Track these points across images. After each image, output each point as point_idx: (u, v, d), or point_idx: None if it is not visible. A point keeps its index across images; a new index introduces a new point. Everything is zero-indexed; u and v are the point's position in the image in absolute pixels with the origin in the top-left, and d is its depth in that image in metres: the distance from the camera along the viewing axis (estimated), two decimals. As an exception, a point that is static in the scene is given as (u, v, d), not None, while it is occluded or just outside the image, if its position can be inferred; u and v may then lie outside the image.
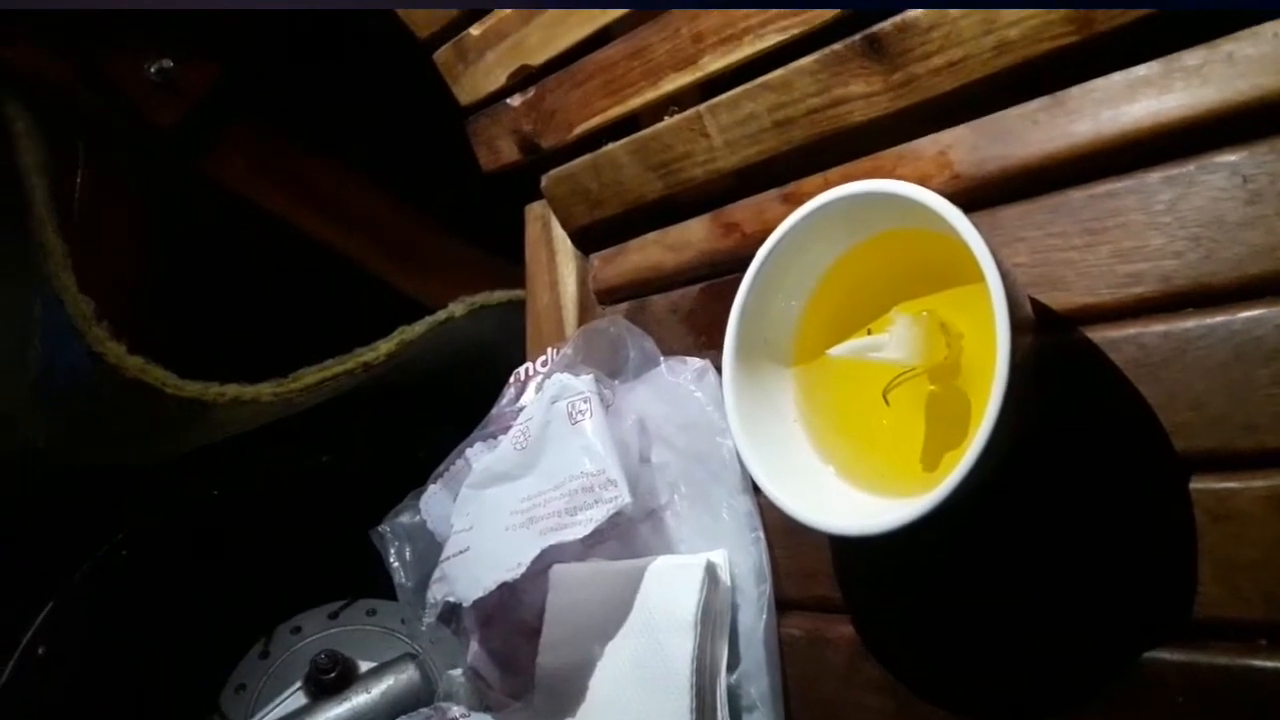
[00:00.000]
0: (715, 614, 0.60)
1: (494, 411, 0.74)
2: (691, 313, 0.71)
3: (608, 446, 0.63)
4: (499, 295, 1.05)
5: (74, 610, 1.07)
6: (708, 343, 0.69)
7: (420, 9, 0.82)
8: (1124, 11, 0.48)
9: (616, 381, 0.70)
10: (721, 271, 0.69)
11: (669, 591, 0.61)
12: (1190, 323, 0.46)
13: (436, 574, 0.68)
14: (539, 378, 0.73)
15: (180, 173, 1.13)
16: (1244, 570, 0.43)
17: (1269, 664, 0.43)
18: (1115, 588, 0.47)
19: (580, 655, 0.63)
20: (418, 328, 1.02)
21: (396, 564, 0.73)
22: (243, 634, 1.12)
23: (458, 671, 0.73)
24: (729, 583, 0.61)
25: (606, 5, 0.70)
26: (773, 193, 0.65)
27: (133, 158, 1.09)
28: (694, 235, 0.70)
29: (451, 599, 0.65)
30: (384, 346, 1.00)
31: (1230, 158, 0.46)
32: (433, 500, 0.73)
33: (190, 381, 0.92)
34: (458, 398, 0.79)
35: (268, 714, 0.96)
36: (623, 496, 0.60)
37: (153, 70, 1.03)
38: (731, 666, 0.60)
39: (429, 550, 0.71)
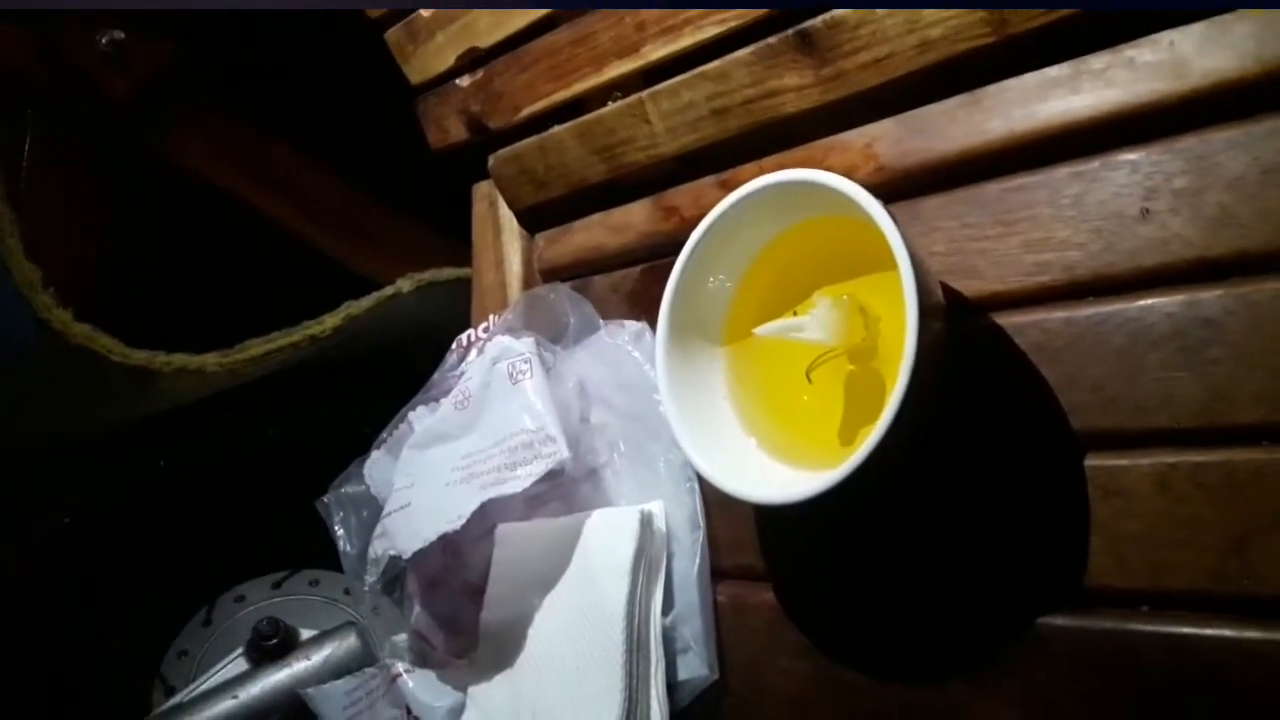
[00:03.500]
0: (650, 560, 0.63)
1: (436, 376, 0.76)
2: (633, 292, 0.74)
3: (547, 405, 0.65)
4: (447, 273, 1.07)
5: (16, 577, 1.07)
6: (648, 322, 0.71)
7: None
8: (1038, 14, 0.50)
9: (558, 347, 0.72)
10: (662, 253, 0.71)
11: (607, 540, 0.63)
12: (1090, 310, 0.49)
13: (378, 530, 0.69)
14: (481, 343, 0.75)
15: (131, 145, 1.13)
16: (1130, 542, 0.47)
17: (1149, 628, 0.46)
18: (1014, 558, 0.51)
19: (523, 608, 0.66)
20: (364, 303, 1.03)
21: (341, 531, 0.74)
22: (186, 602, 1.12)
23: (401, 636, 0.75)
24: (665, 530, 0.64)
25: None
26: (711, 179, 0.67)
27: (84, 128, 1.09)
28: (636, 218, 0.73)
29: (393, 552, 0.66)
30: (330, 320, 1.01)
31: (1130, 156, 0.49)
32: (376, 466, 0.74)
33: (137, 350, 0.92)
34: (404, 375, 0.80)
35: (209, 679, 0.97)
36: (561, 452, 0.62)
37: (104, 41, 1.03)
38: (666, 611, 0.63)
39: (373, 518, 0.73)
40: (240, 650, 1.00)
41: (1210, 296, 0.45)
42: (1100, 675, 0.47)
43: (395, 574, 0.73)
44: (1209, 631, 0.44)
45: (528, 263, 0.82)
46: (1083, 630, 0.48)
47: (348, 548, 0.74)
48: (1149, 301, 0.47)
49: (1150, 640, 0.46)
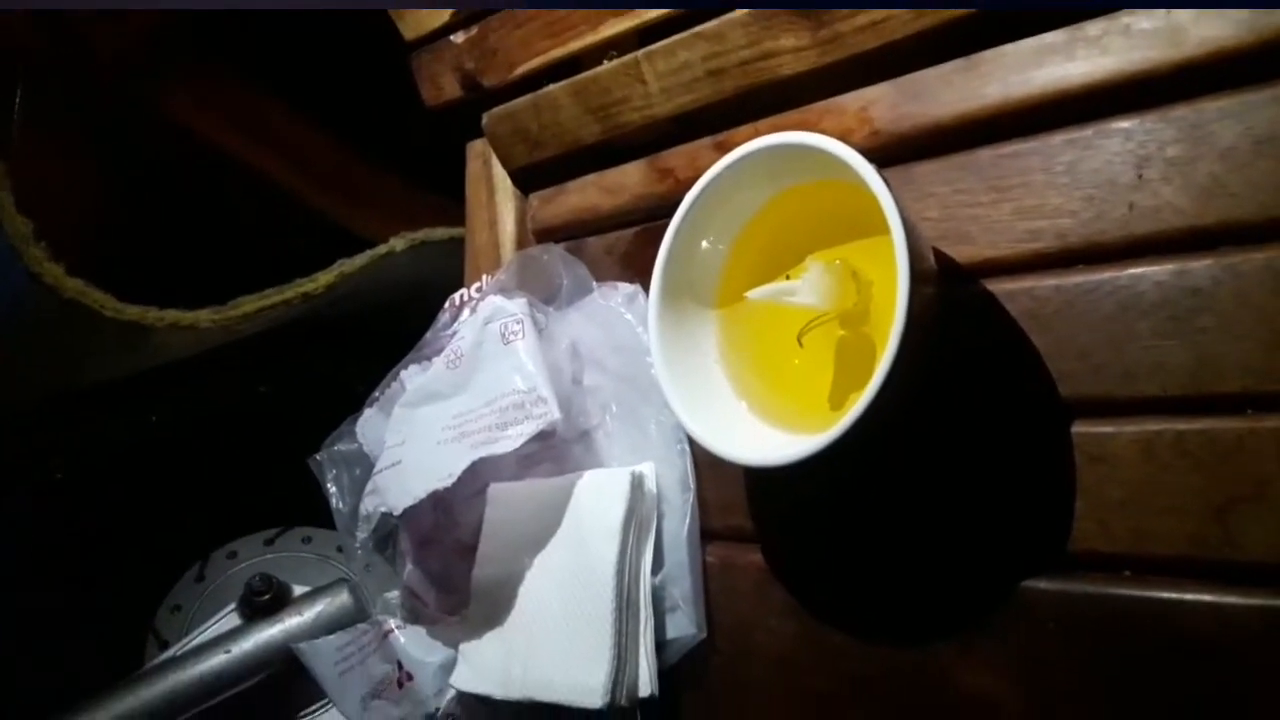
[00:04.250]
0: (641, 520, 0.63)
1: (428, 335, 0.76)
2: (626, 255, 0.74)
3: (539, 365, 0.66)
4: (440, 232, 1.06)
5: (10, 533, 1.07)
6: (641, 284, 0.71)
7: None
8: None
9: (551, 308, 0.73)
10: (656, 215, 0.71)
11: (598, 501, 0.64)
12: (1080, 278, 0.49)
13: (369, 487, 0.70)
14: (474, 302, 0.75)
15: (124, 100, 1.12)
16: (1114, 507, 0.47)
17: (1130, 592, 0.47)
18: (1000, 522, 0.51)
19: (514, 566, 0.66)
20: (357, 260, 1.03)
21: (333, 489, 0.75)
22: (179, 558, 1.13)
23: (393, 593, 0.75)
24: (655, 491, 0.65)
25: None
26: (706, 140, 0.67)
27: (76, 83, 1.08)
28: (630, 179, 0.72)
29: (384, 509, 0.67)
30: (323, 278, 1.01)
31: (1124, 124, 0.49)
32: (368, 424, 0.75)
33: (130, 305, 0.92)
34: (397, 334, 0.80)
35: (201, 634, 0.98)
36: (552, 413, 0.63)
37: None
38: (656, 571, 0.63)
39: (365, 475, 0.73)
40: (233, 606, 1.01)
41: (1200, 266, 0.46)
42: (1083, 639, 0.48)
43: (387, 532, 0.73)
44: (1190, 597, 0.45)
45: (521, 223, 0.81)
46: (1066, 594, 0.48)
47: (340, 505, 0.74)
48: (1140, 270, 0.48)
49: (1132, 605, 0.47)
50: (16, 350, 0.99)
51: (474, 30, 0.78)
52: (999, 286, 0.52)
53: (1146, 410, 0.47)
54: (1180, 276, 0.46)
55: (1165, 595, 0.46)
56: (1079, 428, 0.49)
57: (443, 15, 0.79)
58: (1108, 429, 0.48)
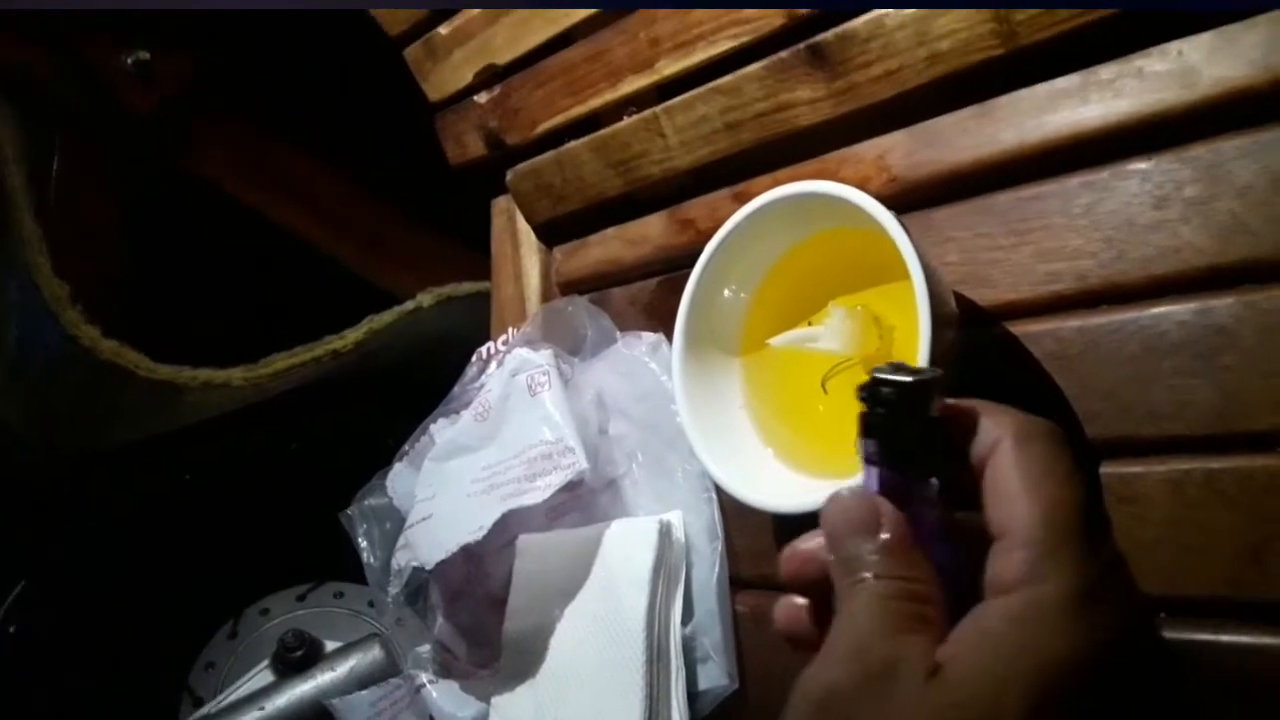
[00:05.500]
0: (670, 570, 0.63)
1: (456, 389, 0.77)
2: (649, 305, 0.74)
3: (566, 416, 0.66)
4: (466, 287, 1.08)
5: (45, 589, 1.08)
6: (664, 333, 0.72)
7: (390, 8, 0.84)
8: (1046, 26, 0.51)
9: (576, 359, 0.73)
10: (678, 266, 0.72)
11: (626, 551, 0.64)
12: (1103, 319, 0.49)
13: (401, 542, 0.70)
14: (500, 355, 0.76)
15: (156, 162, 1.15)
16: (1145, 548, 0.47)
17: (1165, 634, 0.46)
18: (1031, 564, 0.51)
19: (544, 618, 0.66)
20: (386, 317, 1.05)
21: (365, 543, 0.75)
22: (212, 615, 1.13)
23: (425, 648, 0.75)
24: (683, 540, 0.65)
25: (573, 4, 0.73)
26: (725, 191, 0.68)
27: (109, 147, 1.11)
28: (652, 231, 0.73)
29: (415, 564, 0.67)
30: (353, 335, 1.03)
31: (1140, 165, 0.49)
32: (399, 478, 0.75)
33: (163, 365, 0.94)
34: (425, 388, 0.81)
35: (235, 691, 0.98)
36: (580, 463, 0.63)
37: (129, 61, 1.05)
38: (686, 620, 0.63)
39: (396, 530, 0.74)
40: (266, 662, 1.01)
41: (1222, 304, 0.46)
42: (1118, 682, 0.47)
43: (418, 585, 0.74)
44: (1226, 638, 0.44)
45: (546, 276, 0.83)
46: (1100, 637, 0.48)
47: (371, 559, 0.75)
48: (1162, 309, 0.48)
49: (1168, 647, 0.46)
50: (53, 410, 1.00)
51: (496, 90, 0.80)
52: (1022, 329, 0.52)
53: (1175, 449, 0.47)
54: (1203, 315, 0.46)
55: (1202, 637, 0.45)
56: (1107, 468, 0.49)
57: (466, 76, 0.81)
58: (1137, 469, 0.48)
